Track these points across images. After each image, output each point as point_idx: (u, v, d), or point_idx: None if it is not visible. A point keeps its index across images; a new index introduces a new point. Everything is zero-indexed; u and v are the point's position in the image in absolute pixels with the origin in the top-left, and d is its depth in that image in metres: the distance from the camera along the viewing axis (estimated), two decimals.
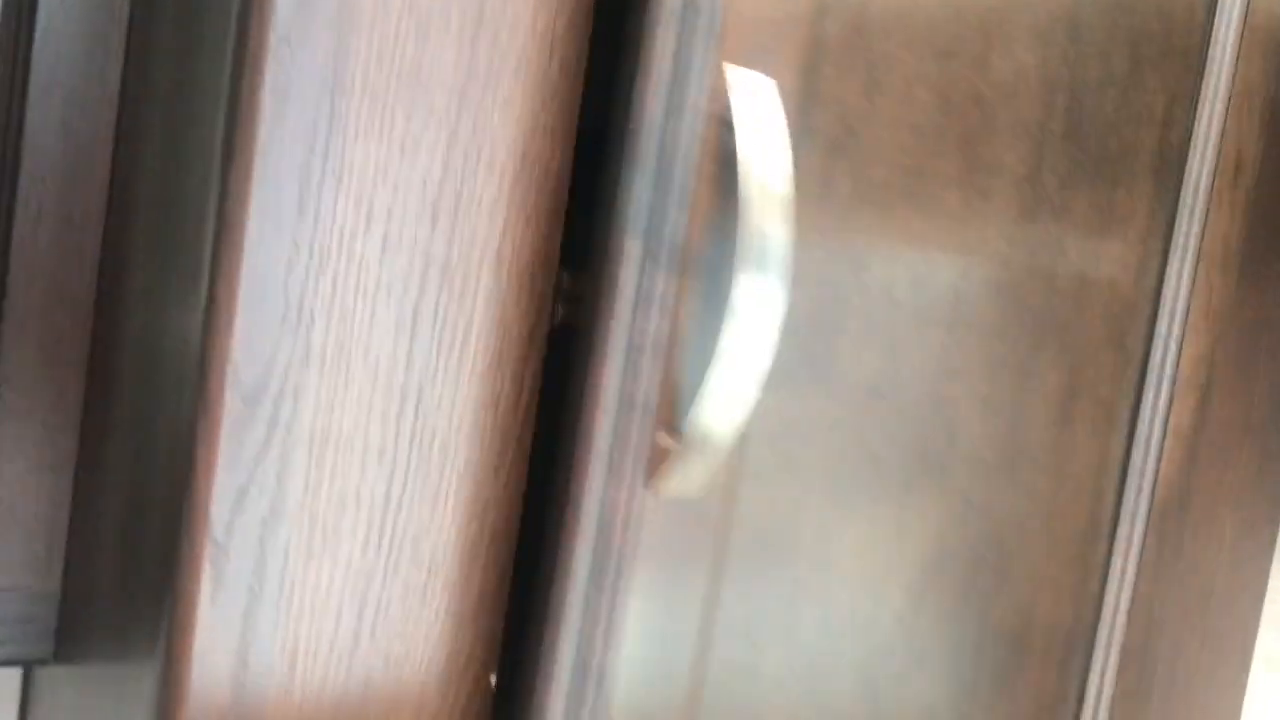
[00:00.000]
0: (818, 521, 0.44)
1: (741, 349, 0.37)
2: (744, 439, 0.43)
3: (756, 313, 0.37)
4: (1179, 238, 0.51)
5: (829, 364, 0.44)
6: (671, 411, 0.40)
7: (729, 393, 0.37)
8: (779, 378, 0.43)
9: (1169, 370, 0.51)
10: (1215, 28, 0.50)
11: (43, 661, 0.65)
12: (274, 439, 0.35)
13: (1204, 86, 0.51)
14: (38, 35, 0.58)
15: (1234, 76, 0.51)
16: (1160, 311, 0.51)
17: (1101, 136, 0.49)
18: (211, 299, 0.35)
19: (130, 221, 0.54)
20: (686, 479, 0.39)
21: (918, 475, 0.46)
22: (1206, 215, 0.52)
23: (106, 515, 0.53)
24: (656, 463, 0.39)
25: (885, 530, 0.46)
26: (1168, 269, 0.51)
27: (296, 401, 0.36)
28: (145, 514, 0.42)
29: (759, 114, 0.38)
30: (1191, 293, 0.52)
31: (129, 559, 0.45)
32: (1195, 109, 0.51)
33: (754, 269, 0.37)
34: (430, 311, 0.37)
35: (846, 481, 0.45)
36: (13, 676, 0.81)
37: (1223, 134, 0.51)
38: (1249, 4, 0.51)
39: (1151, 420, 0.52)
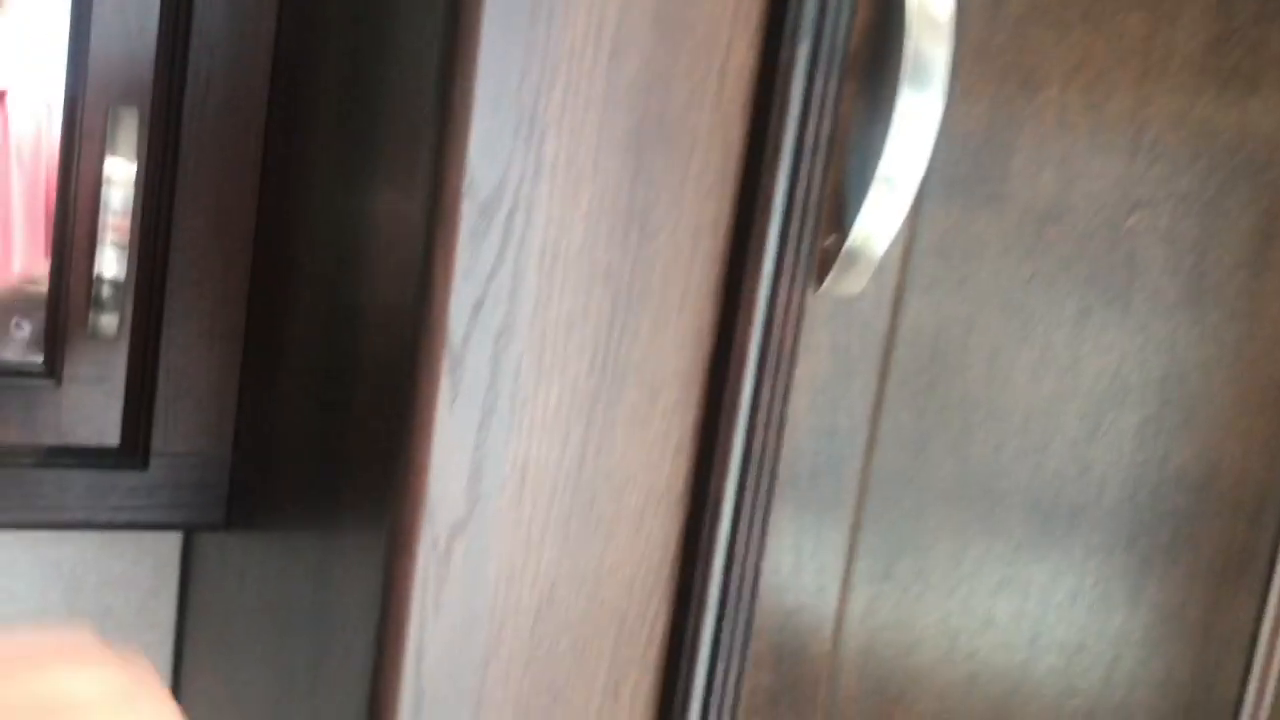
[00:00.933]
0: (989, 342, 0.43)
1: (899, 159, 0.37)
2: (912, 251, 0.41)
3: (914, 127, 0.37)
4: None
5: (1002, 183, 0.42)
6: (836, 215, 0.39)
7: (887, 200, 0.37)
8: (949, 193, 0.41)
9: None
10: None
11: (214, 527, 0.66)
12: (507, 252, 0.35)
13: None
14: None
15: None
16: None
17: None
18: (446, 107, 0.34)
19: (306, 78, 0.54)
20: (848, 279, 0.38)
21: (1095, 304, 0.45)
22: None
23: (293, 381, 0.54)
24: (822, 263, 0.38)
25: (1060, 356, 0.44)
26: None
27: (529, 215, 0.35)
28: (353, 367, 0.42)
29: None
30: None
31: (333, 413, 0.46)
32: None
33: (912, 86, 0.36)
34: (655, 126, 0.37)
35: (1019, 303, 0.43)
36: (173, 541, 0.84)
37: None
38: None
39: None
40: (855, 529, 0.41)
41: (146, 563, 0.84)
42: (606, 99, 0.36)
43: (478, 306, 0.35)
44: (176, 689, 0.84)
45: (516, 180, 0.35)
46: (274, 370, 0.59)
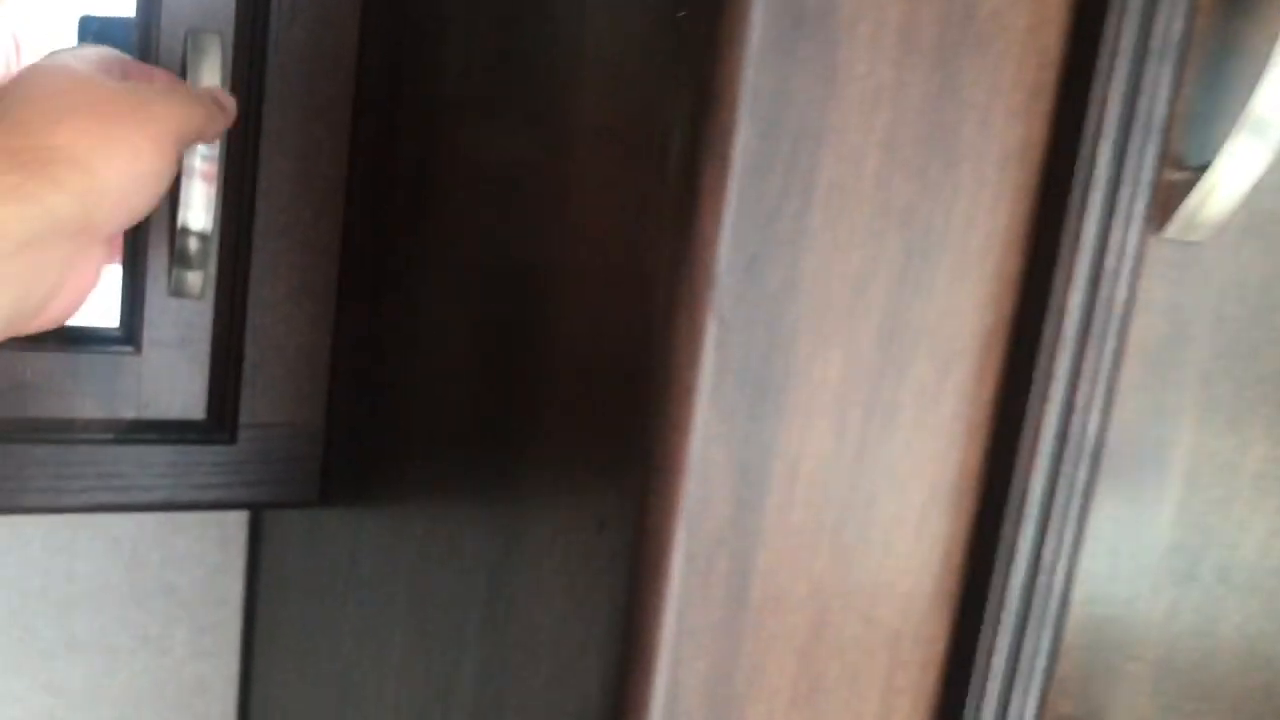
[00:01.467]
0: None
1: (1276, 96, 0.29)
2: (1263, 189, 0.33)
3: None
4: None
5: None
6: (1179, 144, 0.31)
7: (1253, 141, 0.29)
8: None
9: None
10: None
11: (308, 504, 0.59)
12: (791, 189, 0.27)
13: None
14: None
15: None
16: None
17: None
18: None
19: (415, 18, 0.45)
20: (1197, 223, 0.30)
21: None
22: None
23: (425, 344, 0.46)
24: (1162, 200, 0.30)
25: None
26: None
27: (817, 141, 0.27)
28: (542, 332, 0.34)
29: None
30: None
31: (505, 386, 0.38)
32: None
33: None
34: (960, 27, 0.29)
35: None
36: (240, 516, 0.77)
37: None
38: None
39: None
40: (1174, 524, 0.33)
41: (212, 539, 0.77)
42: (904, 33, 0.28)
43: (754, 259, 0.27)
44: (246, 669, 0.77)
45: (803, 96, 0.27)
46: (387, 332, 0.51)
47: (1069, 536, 0.31)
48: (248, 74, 0.53)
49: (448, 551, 0.40)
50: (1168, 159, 0.30)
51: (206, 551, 0.76)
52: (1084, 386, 0.30)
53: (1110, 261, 0.29)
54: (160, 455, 0.55)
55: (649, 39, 0.29)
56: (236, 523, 0.76)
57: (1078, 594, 0.32)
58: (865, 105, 0.28)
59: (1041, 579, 0.31)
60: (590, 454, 0.31)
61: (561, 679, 0.32)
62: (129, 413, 0.54)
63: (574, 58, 0.33)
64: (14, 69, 0.51)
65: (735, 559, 0.29)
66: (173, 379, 0.54)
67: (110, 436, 0.53)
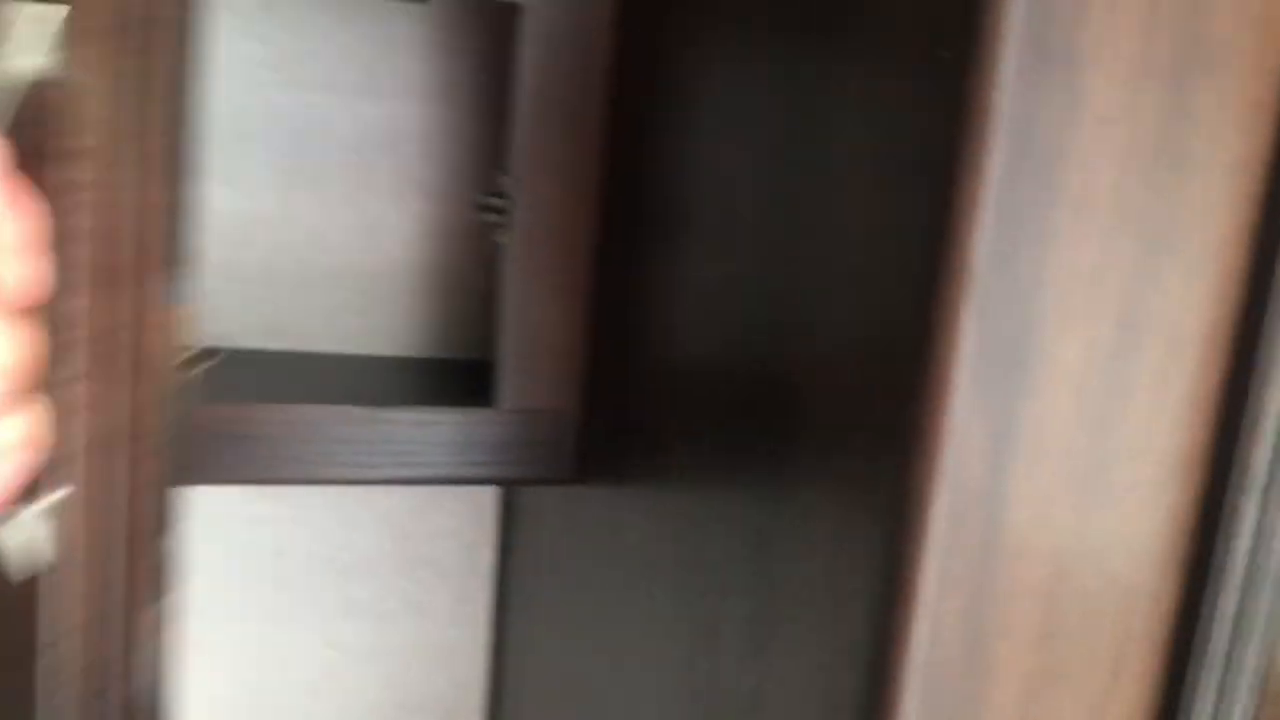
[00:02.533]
0: None
1: None
2: None
3: None
4: None
5: None
6: None
7: None
8: None
9: None
10: None
11: (565, 481, 0.67)
12: (1041, 194, 0.32)
13: None
14: None
15: None
16: None
17: None
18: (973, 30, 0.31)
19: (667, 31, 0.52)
20: None
21: None
22: None
23: (683, 333, 0.52)
24: None
25: None
26: None
27: (1063, 151, 0.32)
28: (805, 316, 0.40)
29: None
30: None
31: (766, 366, 0.44)
32: None
33: None
34: (1193, 51, 0.33)
35: None
36: (491, 495, 0.85)
37: None
38: None
39: None
40: None
41: (468, 516, 0.86)
42: (1145, 25, 0.32)
43: (1006, 257, 0.32)
44: (498, 634, 0.86)
45: (1049, 118, 0.32)
46: (641, 327, 0.58)
47: None
48: (500, 86, 0.61)
49: (714, 515, 0.46)
50: None
51: (463, 527, 0.85)
52: None
53: None
54: (442, 435, 0.64)
55: (913, 73, 0.34)
56: (489, 501, 0.85)
57: None
58: (1104, 124, 0.32)
59: (1262, 547, 0.35)
60: (856, 425, 0.37)
61: (830, 619, 0.37)
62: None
63: (838, 87, 0.39)
64: None
65: (987, 515, 0.34)
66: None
67: (404, 419, 0.63)
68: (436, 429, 0.64)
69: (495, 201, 0.63)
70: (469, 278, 0.80)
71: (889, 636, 0.34)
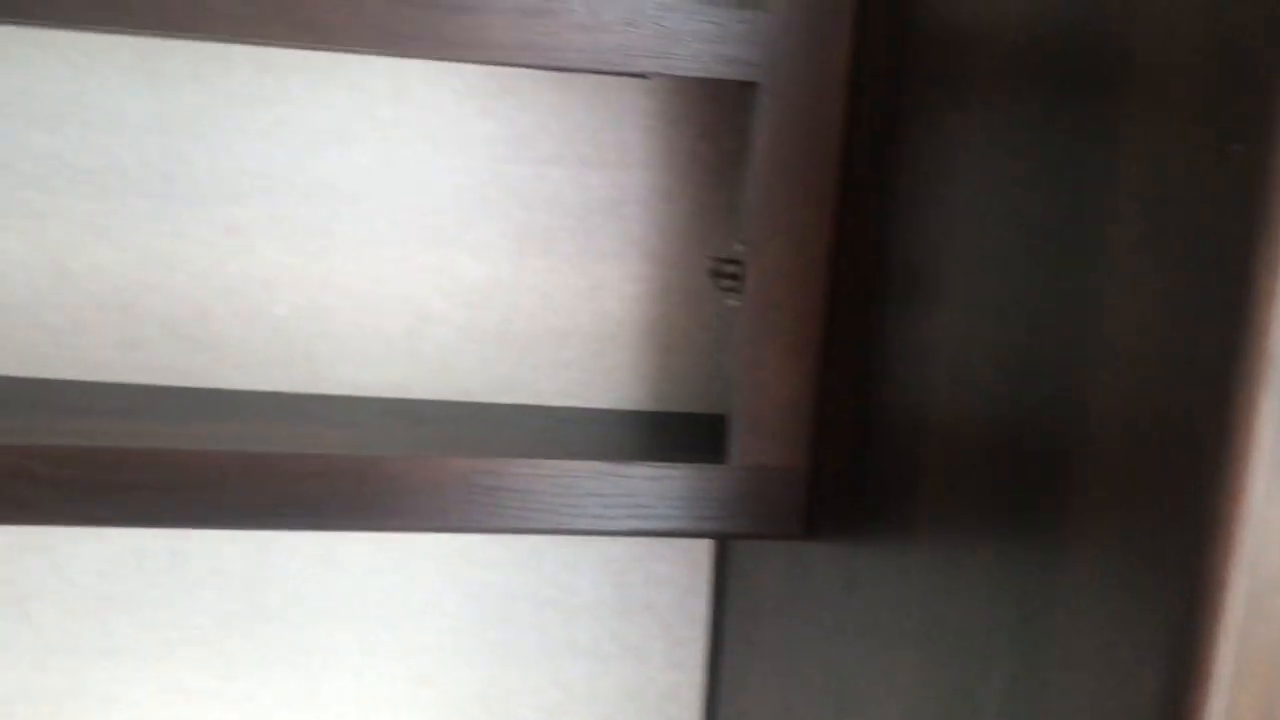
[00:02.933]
0: None
1: None
2: None
3: None
4: None
5: None
6: None
7: None
8: None
9: None
10: None
11: (793, 536, 0.69)
12: None
13: None
14: None
15: None
16: None
17: None
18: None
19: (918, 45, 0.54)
20: None
21: None
22: None
23: (926, 397, 0.54)
24: None
25: None
26: None
27: None
28: (1071, 391, 0.41)
29: None
30: None
31: (1028, 438, 0.45)
32: None
33: None
34: None
35: None
36: (705, 546, 0.88)
37: None
38: None
39: None
40: None
41: (684, 563, 0.89)
42: None
43: None
44: (714, 678, 0.88)
45: None
46: (883, 384, 0.59)
47: None
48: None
49: (968, 581, 0.48)
50: None
51: (679, 574, 0.88)
52: None
53: None
54: (676, 489, 0.67)
55: (1201, 167, 0.35)
56: (705, 549, 0.88)
57: None
58: None
59: None
60: (1138, 504, 0.37)
61: (1106, 700, 0.38)
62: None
63: (1116, 174, 0.40)
64: None
65: None
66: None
67: (641, 474, 0.66)
68: (670, 483, 0.67)
69: (728, 267, 0.66)
70: (688, 335, 0.83)
71: (1181, 716, 0.35)
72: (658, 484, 0.67)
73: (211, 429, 0.71)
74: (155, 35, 0.56)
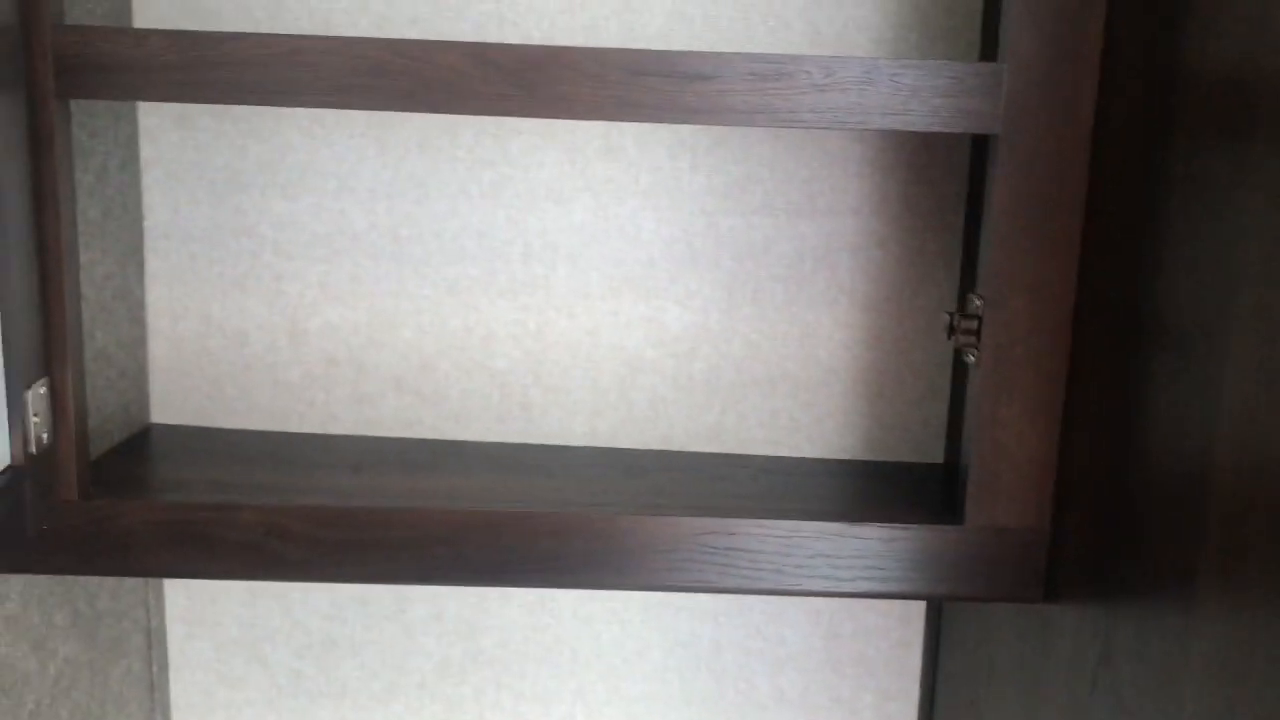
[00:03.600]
0: None
1: None
2: None
3: None
4: None
5: None
6: None
7: None
8: None
9: None
10: None
11: (1031, 599, 0.66)
12: None
13: None
14: None
15: None
16: None
17: None
18: None
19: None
20: None
21: None
22: None
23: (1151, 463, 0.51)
24: None
25: None
26: None
27: None
28: None
29: None
30: None
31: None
32: None
33: None
34: None
35: None
36: (916, 607, 0.86)
37: None
38: None
39: None
40: None
41: (897, 616, 0.87)
42: None
43: None
44: None
45: None
46: (1143, 446, 0.57)
47: None
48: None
49: (1255, 653, 0.45)
50: None
51: (891, 627, 0.86)
52: None
53: None
54: (910, 551, 0.65)
55: None
56: (916, 604, 0.86)
57: None
58: None
59: None
60: None
61: None
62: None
63: None
64: None
65: None
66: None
67: (874, 535, 0.65)
68: (903, 544, 0.66)
69: (965, 322, 0.65)
70: (900, 382, 0.82)
71: None
72: (890, 545, 0.66)
73: (442, 483, 0.73)
74: (423, 111, 0.58)
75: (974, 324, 0.64)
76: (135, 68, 0.58)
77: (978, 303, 0.64)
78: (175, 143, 0.77)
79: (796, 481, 0.77)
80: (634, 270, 0.80)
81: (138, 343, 0.78)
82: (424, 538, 0.65)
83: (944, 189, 0.79)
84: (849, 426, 0.83)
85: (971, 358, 0.65)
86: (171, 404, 0.81)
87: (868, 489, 0.76)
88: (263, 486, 0.71)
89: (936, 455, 0.82)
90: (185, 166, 0.78)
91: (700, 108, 0.59)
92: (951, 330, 0.65)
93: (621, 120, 0.59)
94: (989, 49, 0.73)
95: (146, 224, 0.78)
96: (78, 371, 0.62)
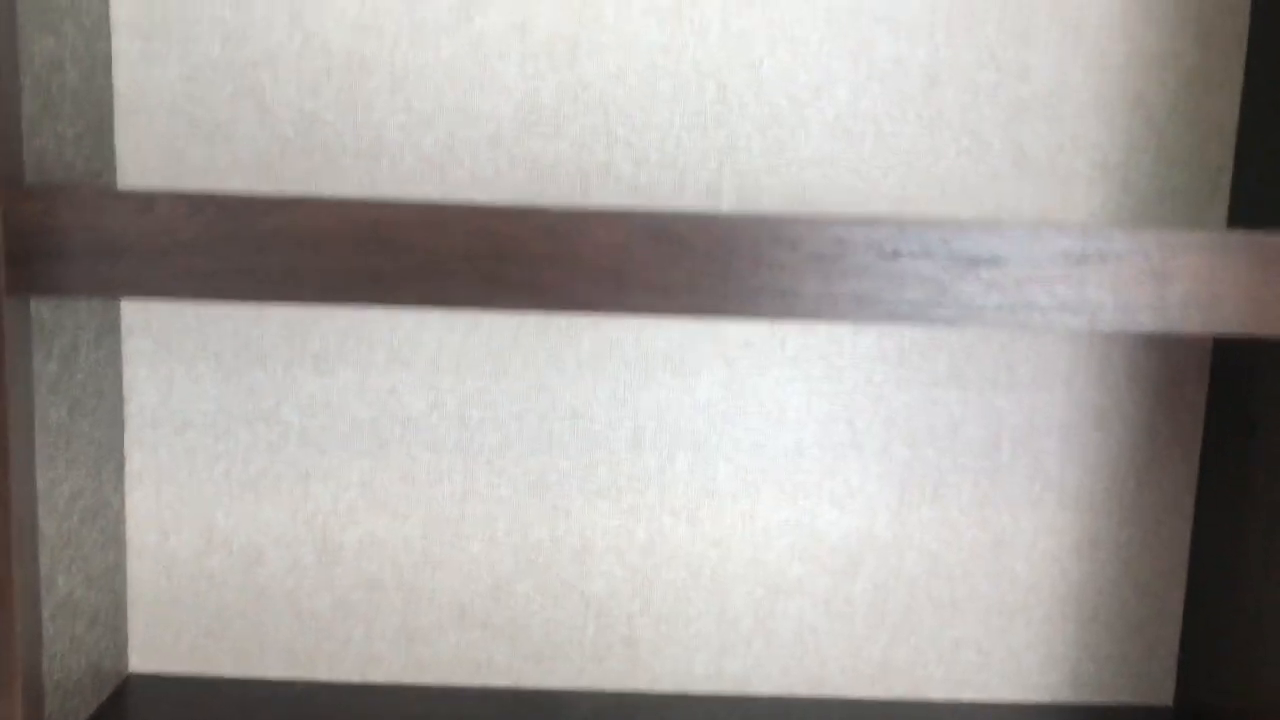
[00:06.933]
0: None
1: None
2: None
3: None
4: None
5: None
6: None
7: None
8: None
9: None
10: None
11: None
12: None
13: None
14: None
15: None
16: None
17: None
18: None
19: None
20: None
21: None
22: None
23: None
24: None
25: None
26: None
27: None
28: None
29: None
30: None
31: None
32: None
33: None
34: None
35: None
36: None
37: None
38: None
39: None
40: None
41: None
42: None
43: None
44: None
45: None
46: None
47: None
48: None
49: None
50: None
51: None
52: None
53: None
54: None
55: None
56: None
57: None
58: None
59: None
60: None
61: None
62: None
63: None
64: None
65: None
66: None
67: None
68: None
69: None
70: (1121, 603, 0.62)
71: None
72: None
73: None
74: (576, 313, 0.39)
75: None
76: (129, 250, 0.38)
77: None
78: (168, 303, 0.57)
79: None
80: (776, 461, 0.61)
81: (113, 570, 0.58)
82: None
83: (1176, 356, 0.60)
84: (1053, 660, 0.63)
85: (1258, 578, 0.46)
86: (158, 646, 0.60)
87: None
88: None
89: (1166, 697, 0.63)
90: (181, 333, 0.58)
91: (987, 303, 0.40)
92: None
93: (873, 323, 0.40)
94: (1244, 168, 0.55)
95: (128, 409, 0.58)
96: (33, 692, 0.42)
